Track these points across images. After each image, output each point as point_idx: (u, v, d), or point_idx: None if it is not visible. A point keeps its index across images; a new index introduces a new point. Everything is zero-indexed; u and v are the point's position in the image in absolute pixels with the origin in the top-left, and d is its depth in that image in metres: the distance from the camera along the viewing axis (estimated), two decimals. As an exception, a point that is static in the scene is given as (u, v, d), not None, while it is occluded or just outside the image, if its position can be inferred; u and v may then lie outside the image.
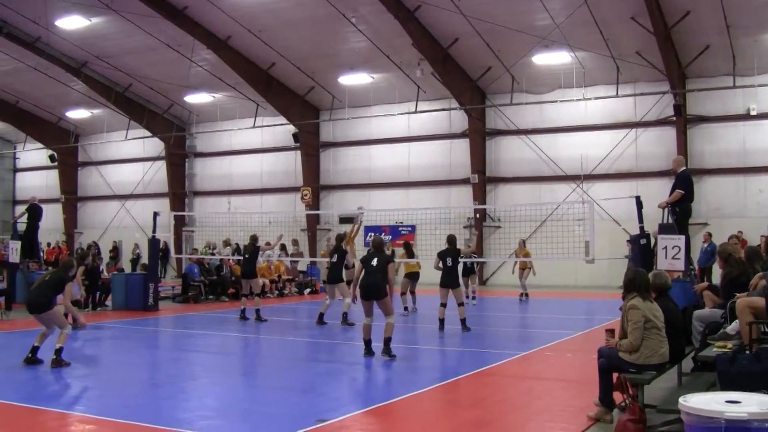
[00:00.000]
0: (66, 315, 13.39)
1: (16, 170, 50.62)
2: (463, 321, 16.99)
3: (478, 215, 33.49)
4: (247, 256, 20.46)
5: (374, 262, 13.25)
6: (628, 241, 25.49)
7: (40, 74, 37.18)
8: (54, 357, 12.46)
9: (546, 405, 9.84)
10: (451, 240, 17.93)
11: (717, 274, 18.05)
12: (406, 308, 20.84)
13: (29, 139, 45.93)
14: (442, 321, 17.25)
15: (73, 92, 39.60)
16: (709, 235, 26.11)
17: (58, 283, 12.90)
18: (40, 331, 12.90)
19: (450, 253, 17.60)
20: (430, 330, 17.35)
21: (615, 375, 8.57)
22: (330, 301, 18.41)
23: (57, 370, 12.15)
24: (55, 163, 45.40)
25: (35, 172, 48.85)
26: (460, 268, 18.75)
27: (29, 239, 24.19)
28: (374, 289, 13.12)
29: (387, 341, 13.02)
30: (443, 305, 17.26)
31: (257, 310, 19.49)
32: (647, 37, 27.31)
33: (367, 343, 13.25)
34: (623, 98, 30.82)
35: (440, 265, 17.49)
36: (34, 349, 12.75)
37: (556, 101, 31.91)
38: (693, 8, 26.30)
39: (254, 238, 20.65)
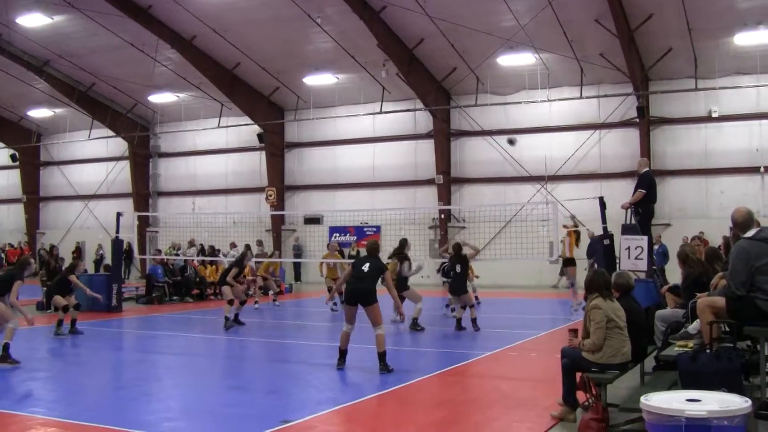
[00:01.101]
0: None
1: (-24, 170, 49.96)
2: (474, 320, 17.41)
3: (443, 216, 33.59)
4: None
5: (365, 267, 12.37)
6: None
7: (1, 72, 36.76)
8: (1, 353, 12.45)
9: (511, 404, 9.89)
10: (457, 248, 18.20)
11: (671, 275, 18.32)
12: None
13: (-10, 138, 45.41)
14: (460, 321, 17.65)
15: (36, 91, 39.18)
16: (659, 236, 26.38)
17: (8, 280, 12.96)
18: None
19: (458, 260, 17.87)
20: (394, 330, 17.35)
21: (578, 374, 8.64)
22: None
23: (17, 371, 12.03)
24: (17, 163, 44.84)
25: (-4, 171, 48.27)
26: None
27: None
28: (363, 294, 12.16)
29: (382, 356, 12.10)
30: (462, 308, 17.78)
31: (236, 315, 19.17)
32: (611, 40, 27.52)
33: (343, 353, 12.35)
34: (587, 100, 31.05)
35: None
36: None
37: (520, 102, 32.07)
38: (656, 11, 26.56)
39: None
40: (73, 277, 17.55)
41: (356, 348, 12.98)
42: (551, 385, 9.86)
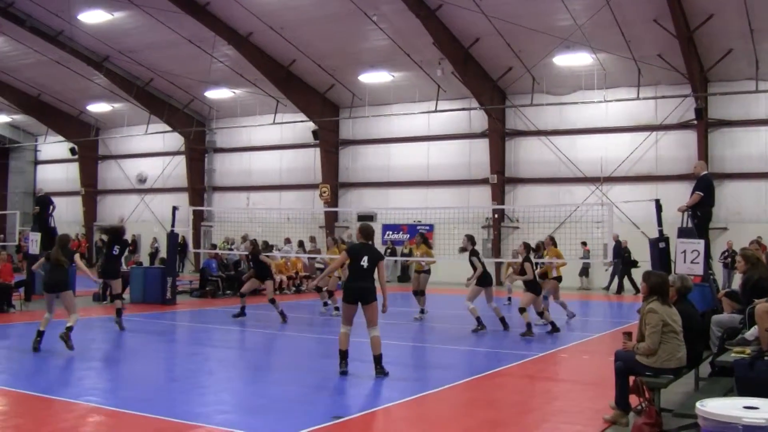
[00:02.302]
0: None
1: (37, 162, 50.86)
2: (502, 320, 17.32)
3: (496, 215, 33.45)
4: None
5: (364, 262, 11.47)
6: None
7: (63, 68, 37.42)
8: (63, 333, 13.07)
9: (561, 407, 9.83)
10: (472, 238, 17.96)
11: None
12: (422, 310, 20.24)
13: (50, 131, 46.17)
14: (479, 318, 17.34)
15: (95, 86, 39.80)
16: (731, 243, 26.04)
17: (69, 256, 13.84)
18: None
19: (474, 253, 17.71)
20: (444, 329, 17.33)
21: (632, 378, 8.56)
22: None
23: (74, 361, 12.26)
24: (76, 156, 45.65)
25: (56, 164, 49.14)
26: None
27: (43, 230, 24.35)
28: (363, 292, 11.45)
29: (379, 359, 11.48)
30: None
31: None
32: (669, 40, 27.19)
33: (345, 354, 11.53)
34: (644, 101, 30.67)
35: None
36: (40, 333, 13.30)
37: (576, 103, 31.84)
38: (716, 11, 26.16)
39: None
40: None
41: (403, 345, 12.98)
42: (603, 388, 9.78)
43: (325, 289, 20.87)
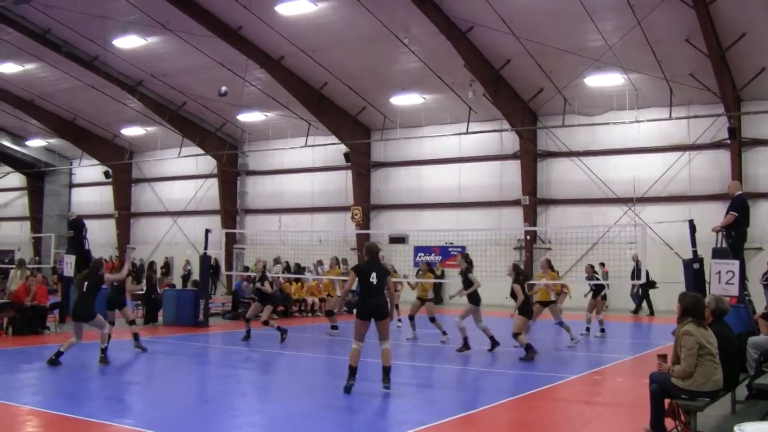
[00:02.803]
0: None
1: (72, 186, 51.39)
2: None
3: (528, 237, 33.30)
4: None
5: (374, 279, 11.85)
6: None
7: (97, 92, 37.88)
8: (101, 355, 13.74)
9: (596, 429, 9.75)
10: (518, 269, 17.47)
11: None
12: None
13: (85, 155, 46.76)
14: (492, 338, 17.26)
15: (129, 110, 40.23)
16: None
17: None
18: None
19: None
20: (474, 351, 17.24)
21: (667, 401, 8.47)
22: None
23: (108, 383, 12.34)
24: (110, 179, 46.11)
25: (90, 187, 49.66)
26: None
27: (79, 253, 24.58)
28: (379, 309, 11.86)
29: (388, 371, 11.81)
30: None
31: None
32: (701, 59, 27.03)
33: (354, 370, 11.83)
34: (676, 120, 30.46)
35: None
36: (59, 353, 13.84)
37: (608, 123, 31.68)
38: (749, 30, 25.99)
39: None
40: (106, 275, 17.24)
41: (436, 368, 12.93)
42: (638, 411, 9.69)
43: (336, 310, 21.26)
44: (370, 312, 11.83)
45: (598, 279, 21.70)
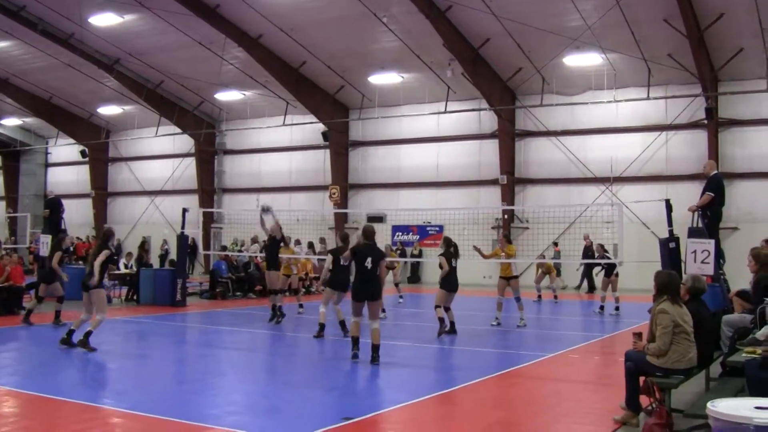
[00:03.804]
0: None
1: (48, 165, 51.03)
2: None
3: (506, 216, 33.39)
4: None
5: (368, 263, 12.62)
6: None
7: (74, 71, 37.53)
8: (82, 338, 13.35)
9: (572, 407, 9.82)
10: (448, 241, 17.30)
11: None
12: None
13: (61, 134, 46.38)
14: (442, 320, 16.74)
15: (106, 89, 39.92)
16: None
17: (97, 254, 13.88)
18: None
19: (456, 254, 17.19)
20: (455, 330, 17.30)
21: (642, 378, 8.54)
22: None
23: (85, 363, 12.30)
24: (86, 159, 45.75)
25: (66, 167, 49.32)
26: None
27: (53, 233, 24.44)
28: (373, 292, 12.65)
29: (377, 348, 12.42)
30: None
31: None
32: (680, 39, 27.12)
33: (357, 340, 12.68)
34: (654, 101, 30.58)
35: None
36: (71, 332, 13.63)
37: (586, 103, 31.79)
38: (727, 11, 26.08)
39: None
40: (54, 261, 17.52)
41: (415, 347, 12.98)
42: (614, 388, 9.77)
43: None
44: (365, 295, 12.61)
45: (608, 258, 21.85)
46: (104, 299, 14.25)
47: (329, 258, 14.49)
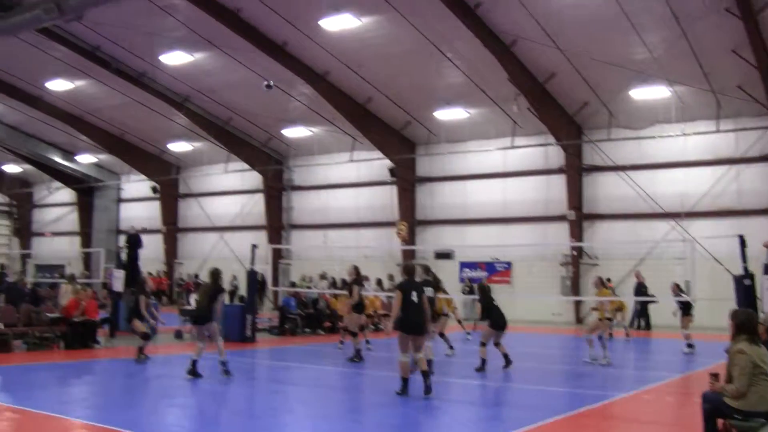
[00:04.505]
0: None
1: (120, 201, 51.99)
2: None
3: (575, 252, 33.04)
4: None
5: (414, 296, 12.84)
6: None
7: (145, 108, 38.42)
8: (224, 368, 14.59)
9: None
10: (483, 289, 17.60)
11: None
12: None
13: (133, 170, 47.37)
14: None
15: (176, 126, 40.70)
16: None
17: (214, 295, 15.01)
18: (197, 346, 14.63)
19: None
20: (522, 368, 17.16)
21: (720, 421, 8.36)
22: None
23: (157, 397, 12.47)
24: (157, 195, 46.69)
25: (138, 203, 50.17)
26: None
27: (131, 268, 24.94)
28: (419, 326, 12.84)
29: (426, 374, 12.74)
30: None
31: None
32: (749, 71, 26.71)
33: (406, 381, 12.79)
34: (724, 133, 30.16)
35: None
36: (194, 362, 14.45)
37: (654, 137, 31.41)
38: (799, 40, 25.67)
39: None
40: (142, 300, 17.88)
41: (483, 386, 12.88)
42: (688, 431, 9.58)
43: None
44: (415, 329, 12.74)
45: (683, 296, 21.53)
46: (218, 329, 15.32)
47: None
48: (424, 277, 16.79)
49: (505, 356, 16.74)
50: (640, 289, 28.17)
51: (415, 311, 12.78)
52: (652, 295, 26.68)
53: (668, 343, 24.62)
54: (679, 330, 21.55)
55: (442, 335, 19.59)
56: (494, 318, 16.90)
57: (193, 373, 14.37)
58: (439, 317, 19.50)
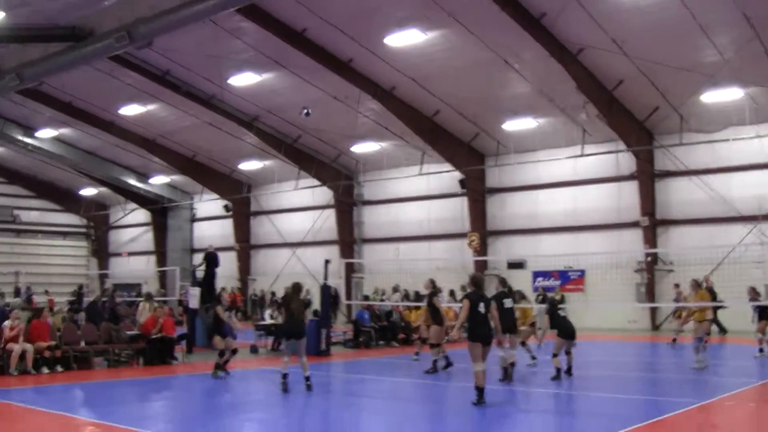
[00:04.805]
0: None
1: (193, 220, 52.89)
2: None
3: (649, 258, 32.62)
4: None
5: (481, 308, 13.27)
6: None
7: (215, 129, 39.04)
8: (307, 383, 14.81)
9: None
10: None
11: None
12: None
13: (205, 190, 48.12)
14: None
15: (246, 145, 41.25)
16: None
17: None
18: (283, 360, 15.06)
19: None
20: (596, 376, 17.03)
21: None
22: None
23: (233, 412, 12.69)
24: (230, 213, 47.38)
25: (211, 221, 50.96)
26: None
27: (208, 285, 25.44)
28: (490, 335, 13.38)
29: (482, 390, 13.04)
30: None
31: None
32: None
33: (482, 390, 13.01)
34: (801, 134, 29.51)
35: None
36: (308, 377, 14.96)
37: (728, 140, 30.82)
38: None
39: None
40: (218, 310, 18.12)
41: (558, 394, 12.82)
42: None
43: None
44: (486, 338, 13.20)
45: (760, 300, 21.27)
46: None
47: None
48: (500, 288, 16.90)
49: (569, 367, 16.78)
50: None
51: (483, 322, 13.26)
52: (722, 300, 26.28)
53: (743, 348, 24.14)
54: (754, 334, 21.21)
55: (523, 344, 19.57)
56: (561, 328, 16.95)
57: (286, 387, 14.72)
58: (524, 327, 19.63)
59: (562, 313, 17.32)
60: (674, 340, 24.66)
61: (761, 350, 20.80)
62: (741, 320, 27.62)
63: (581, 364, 19.32)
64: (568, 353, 16.90)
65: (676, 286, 28.96)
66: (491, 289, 16.27)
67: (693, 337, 18.72)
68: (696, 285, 19.70)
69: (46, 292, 39.72)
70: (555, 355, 16.62)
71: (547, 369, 17.80)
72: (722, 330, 28.89)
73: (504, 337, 16.03)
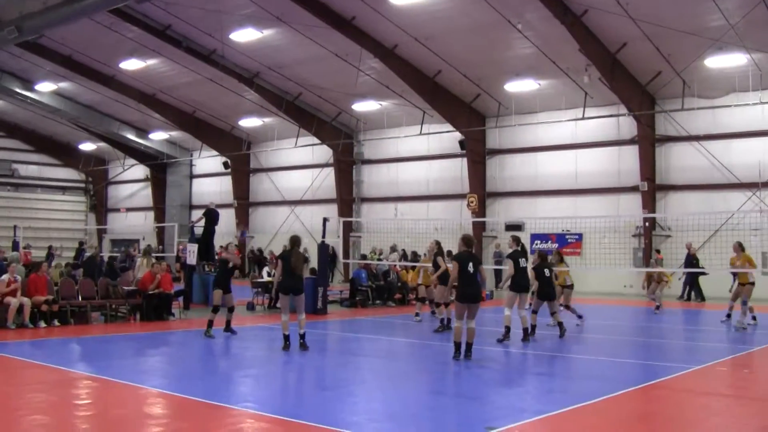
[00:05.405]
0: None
1: (192, 176, 52.83)
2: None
3: (647, 223, 32.59)
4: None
5: (471, 268, 13.68)
6: None
7: (216, 85, 38.79)
8: (302, 340, 14.85)
9: (722, 423, 9.54)
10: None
11: None
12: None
13: (205, 146, 47.95)
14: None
15: (246, 102, 41.07)
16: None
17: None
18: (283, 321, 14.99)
19: (547, 264, 17.98)
20: (594, 340, 17.08)
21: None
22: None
23: (230, 368, 12.74)
24: (229, 170, 47.27)
25: (210, 178, 50.96)
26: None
27: (206, 242, 25.50)
28: (474, 295, 13.70)
29: (470, 346, 13.68)
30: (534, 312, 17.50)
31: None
32: (830, 36, 25.98)
33: (459, 345, 13.68)
34: (804, 101, 29.37)
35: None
36: (303, 335, 14.98)
37: (730, 106, 30.69)
38: None
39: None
40: (228, 256, 18.53)
41: (557, 357, 12.86)
42: (766, 403, 9.46)
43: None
44: (467, 297, 13.56)
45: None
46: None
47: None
48: (515, 247, 17.05)
49: (533, 326, 17.07)
50: (691, 261, 27.94)
51: (470, 282, 13.64)
52: (703, 267, 26.41)
53: (735, 315, 24.22)
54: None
55: (568, 307, 19.78)
56: (540, 286, 17.50)
57: (288, 347, 14.75)
58: (563, 289, 19.79)
59: (547, 273, 17.58)
60: (658, 307, 24.47)
61: (753, 318, 20.72)
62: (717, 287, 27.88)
63: (574, 327, 19.39)
64: (552, 314, 17.60)
65: (657, 252, 29.17)
66: (506, 248, 16.60)
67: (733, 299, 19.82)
68: (739, 248, 19.69)
69: (27, 247, 39.15)
70: (535, 312, 17.39)
71: (551, 332, 17.87)
72: (701, 297, 29.06)
73: (515, 297, 16.48)
